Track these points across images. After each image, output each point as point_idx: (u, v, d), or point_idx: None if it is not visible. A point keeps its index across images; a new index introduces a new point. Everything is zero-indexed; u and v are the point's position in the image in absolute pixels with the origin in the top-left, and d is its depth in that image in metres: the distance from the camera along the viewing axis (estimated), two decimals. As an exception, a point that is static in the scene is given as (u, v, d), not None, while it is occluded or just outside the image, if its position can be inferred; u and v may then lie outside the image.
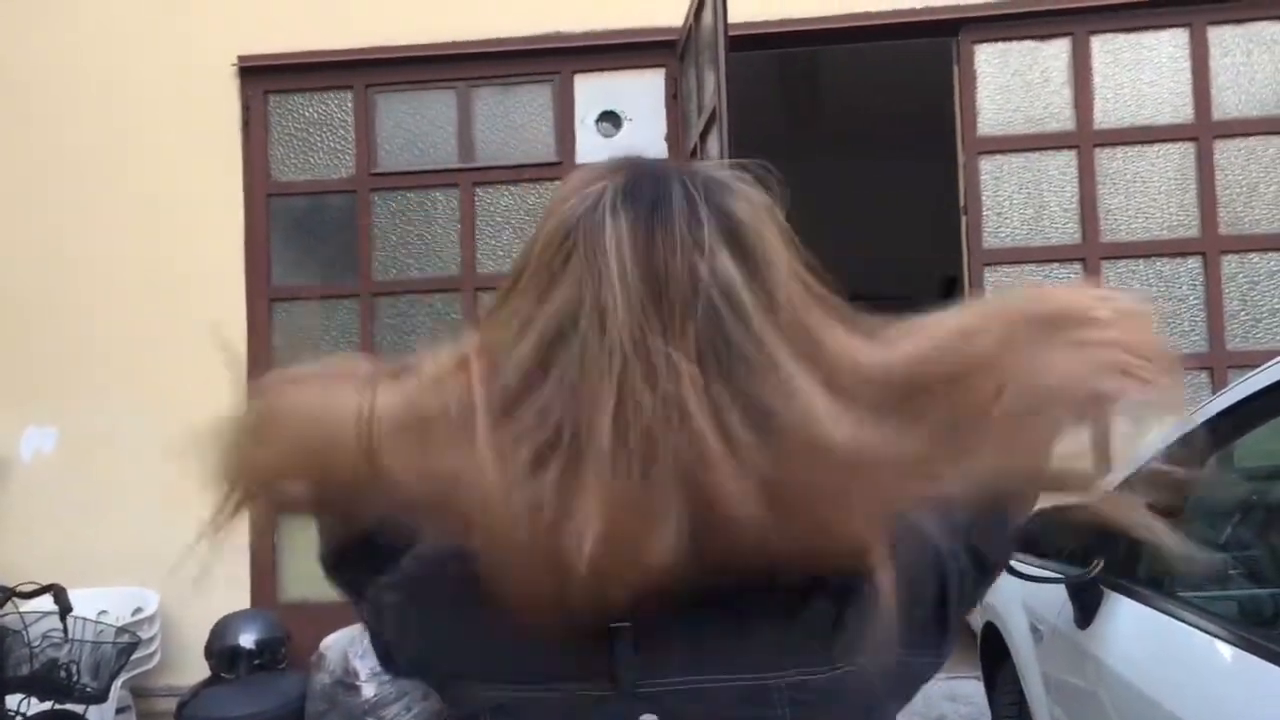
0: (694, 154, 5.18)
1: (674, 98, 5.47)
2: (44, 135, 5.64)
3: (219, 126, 5.60)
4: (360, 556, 0.97)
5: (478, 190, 5.60)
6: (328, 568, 1.02)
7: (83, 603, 4.37)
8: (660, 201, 0.84)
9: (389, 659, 0.98)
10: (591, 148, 5.52)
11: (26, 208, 5.62)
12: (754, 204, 0.87)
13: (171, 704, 4.96)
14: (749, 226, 0.84)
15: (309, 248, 5.82)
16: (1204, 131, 4.90)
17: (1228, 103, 4.93)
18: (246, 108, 5.64)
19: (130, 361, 5.47)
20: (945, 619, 0.92)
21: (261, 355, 5.53)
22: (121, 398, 5.43)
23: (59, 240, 5.57)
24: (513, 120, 5.64)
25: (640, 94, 5.54)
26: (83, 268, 5.56)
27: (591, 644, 0.86)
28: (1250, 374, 2.12)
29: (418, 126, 5.70)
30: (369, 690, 4.52)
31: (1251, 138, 4.90)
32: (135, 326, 5.49)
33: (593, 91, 5.56)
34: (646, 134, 5.49)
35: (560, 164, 5.53)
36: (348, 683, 4.53)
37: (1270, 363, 2.04)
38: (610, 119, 5.54)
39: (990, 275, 4.94)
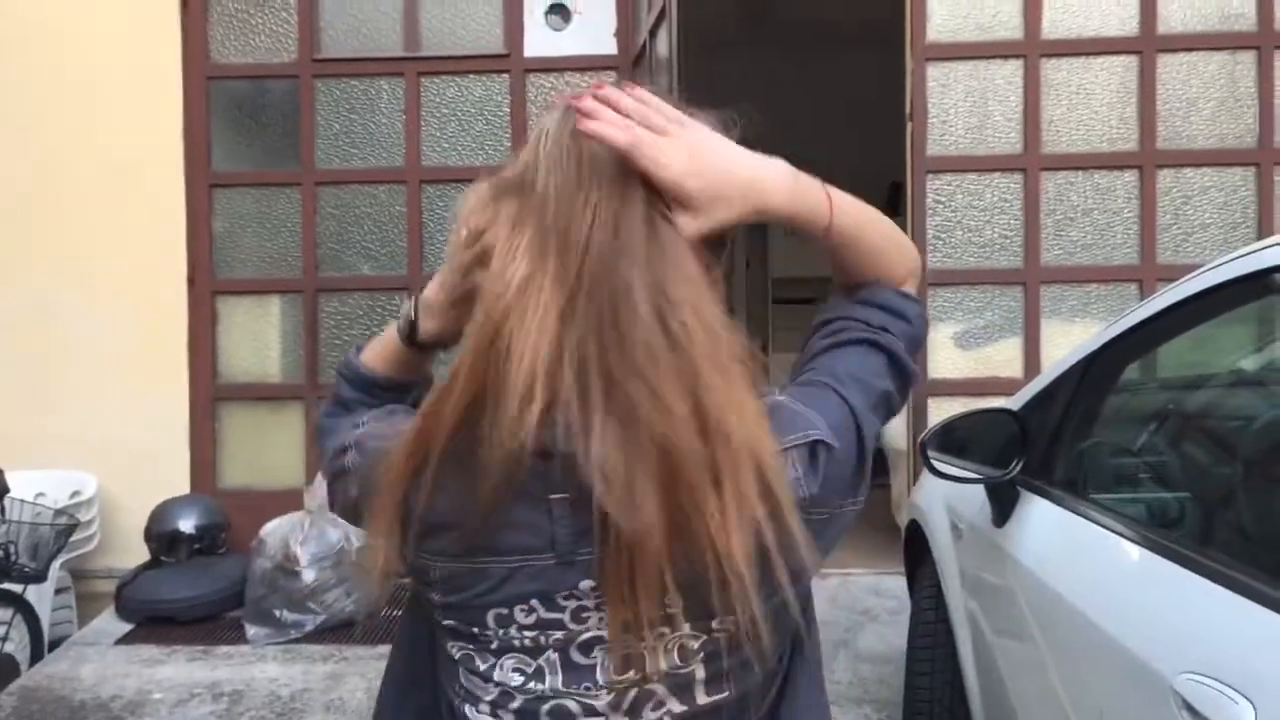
0: (643, 51, 5.12)
1: (625, -9, 5.40)
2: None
3: (156, 4, 5.44)
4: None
5: (423, 80, 5.51)
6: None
7: (20, 485, 4.37)
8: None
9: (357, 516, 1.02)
10: (540, 41, 5.44)
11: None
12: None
13: (111, 585, 5.00)
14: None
15: (250, 133, 5.71)
16: (1148, 45, 4.92)
17: (1173, 17, 4.95)
18: (185, -14, 5.48)
19: (68, 245, 5.38)
20: (863, 467, 0.98)
21: (201, 241, 5.47)
22: (60, 281, 5.36)
23: (-7, 124, 5.43)
24: (460, 10, 5.53)
25: (591, -14, 5.46)
26: (19, 151, 5.41)
27: (530, 516, 0.90)
28: (1172, 285, 2.15)
29: (362, 12, 5.57)
30: (309, 575, 4.58)
31: (1194, 53, 4.93)
32: (73, 210, 5.38)
33: (543, -18, 5.46)
34: (595, 29, 5.42)
35: (508, 56, 5.45)
36: (288, 568, 4.57)
37: (1192, 274, 2.06)
38: (559, 12, 5.44)
39: (933, 182, 4.98)
